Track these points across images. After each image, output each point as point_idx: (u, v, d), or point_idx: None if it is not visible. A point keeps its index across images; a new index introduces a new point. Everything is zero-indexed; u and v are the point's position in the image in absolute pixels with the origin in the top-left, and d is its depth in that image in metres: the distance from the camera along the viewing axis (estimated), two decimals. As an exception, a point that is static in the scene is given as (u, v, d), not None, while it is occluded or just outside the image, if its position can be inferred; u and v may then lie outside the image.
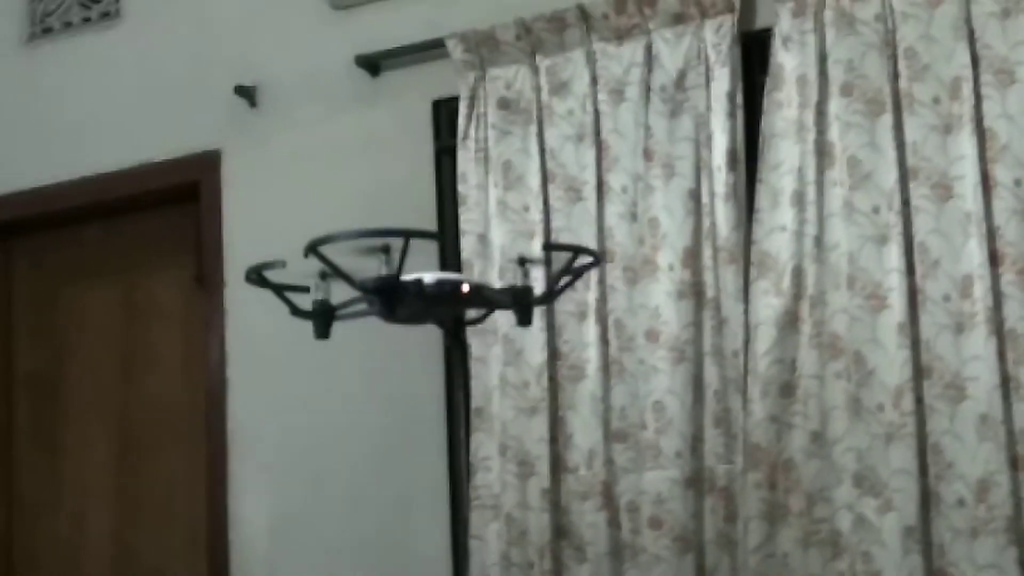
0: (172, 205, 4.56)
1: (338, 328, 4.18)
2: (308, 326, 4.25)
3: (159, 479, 4.62)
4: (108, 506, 4.70)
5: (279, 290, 2.95)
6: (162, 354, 4.66)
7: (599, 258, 3.14)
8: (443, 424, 3.96)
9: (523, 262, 2.96)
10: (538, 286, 3.19)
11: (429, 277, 2.84)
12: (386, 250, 2.77)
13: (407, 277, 2.80)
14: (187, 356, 4.57)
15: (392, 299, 2.80)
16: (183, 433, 4.55)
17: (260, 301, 4.29)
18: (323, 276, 2.85)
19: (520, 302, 2.93)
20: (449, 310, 2.97)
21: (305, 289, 2.92)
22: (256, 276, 2.96)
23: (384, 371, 4.07)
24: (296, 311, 2.94)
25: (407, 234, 2.76)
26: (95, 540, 4.71)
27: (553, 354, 3.78)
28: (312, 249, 2.81)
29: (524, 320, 2.95)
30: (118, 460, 4.71)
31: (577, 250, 3.06)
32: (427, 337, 4.00)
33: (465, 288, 2.90)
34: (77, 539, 4.74)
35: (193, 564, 4.45)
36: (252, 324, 4.33)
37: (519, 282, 2.96)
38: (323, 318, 2.87)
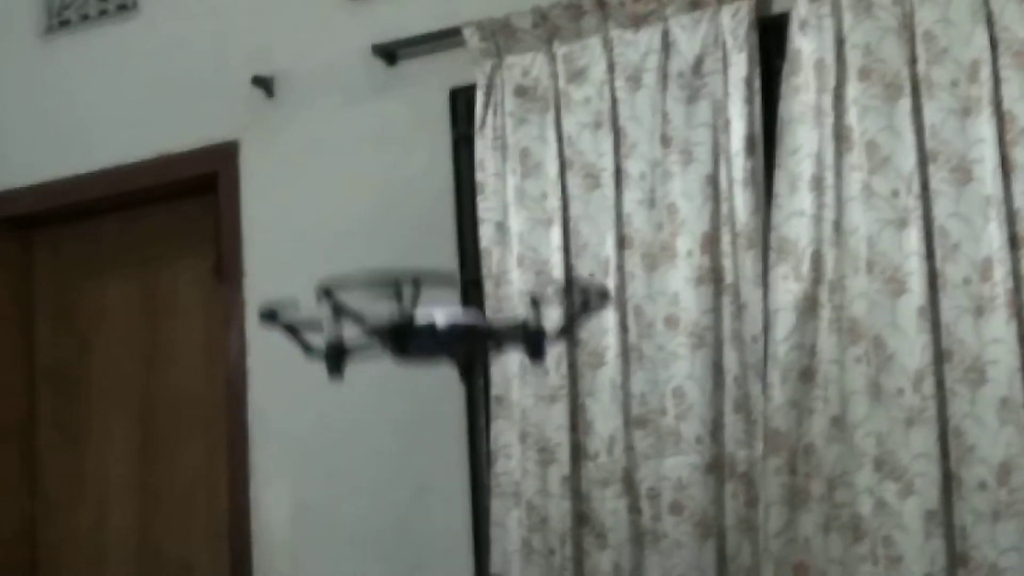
0: (190, 196, 4.57)
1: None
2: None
3: (181, 470, 4.63)
4: (130, 497, 4.72)
5: (292, 331, 2.94)
6: (182, 345, 4.67)
7: (608, 295, 3.15)
8: (463, 412, 3.95)
9: (535, 302, 2.96)
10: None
11: (441, 316, 2.83)
12: (398, 291, 2.77)
13: (421, 310, 2.79)
14: (207, 347, 4.58)
15: (404, 342, 2.80)
16: (204, 424, 4.56)
17: (279, 291, 4.33)
18: (336, 314, 2.84)
19: (532, 341, 2.93)
20: (461, 349, 2.98)
21: (318, 326, 2.90)
22: (270, 316, 2.94)
23: (404, 360, 4.08)
24: (309, 351, 2.92)
25: (420, 279, 2.75)
26: (118, 532, 4.73)
27: (573, 341, 3.78)
28: (325, 293, 2.80)
29: (537, 358, 2.95)
30: (139, 451, 4.72)
31: (588, 291, 3.10)
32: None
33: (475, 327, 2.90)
34: (100, 531, 4.76)
35: (216, 554, 4.46)
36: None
37: (531, 320, 2.95)
38: (336, 359, 2.86)
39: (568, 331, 3.10)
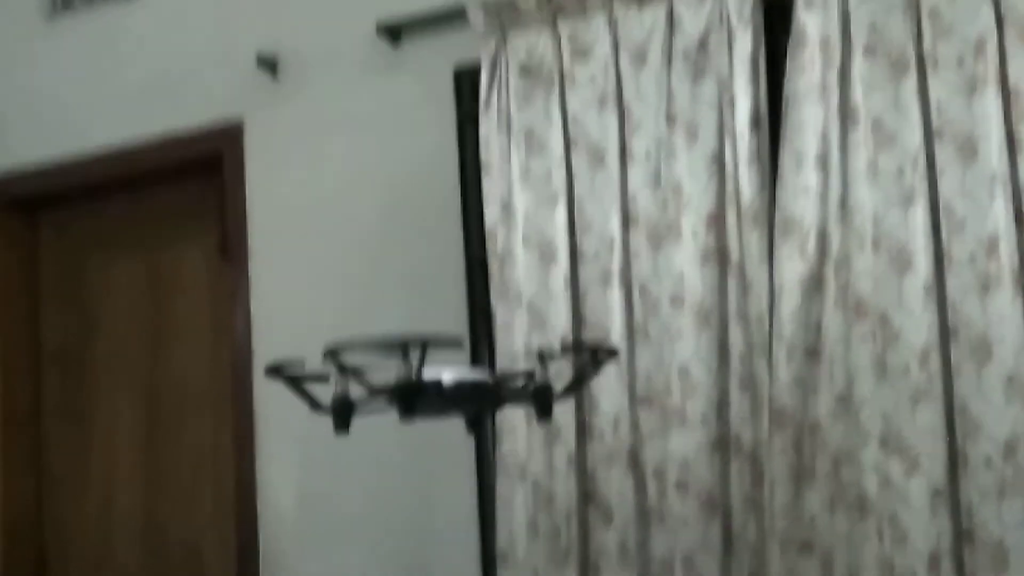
0: (196, 177, 4.57)
1: (365, 295, 4.21)
2: (332, 295, 4.29)
3: (187, 450, 4.64)
4: (136, 479, 4.73)
5: (299, 386, 2.94)
6: (188, 326, 4.68)
7: (616, 352, 3.17)
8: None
9: (542, 357, 2.96)
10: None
11: (448, 376, 2.84)
12: (405, 351, 2.77)
13: (428, 371, 2.80)
14: (213, 327, 4.58)
15: (412, 401, 2.81)
16: (210, 405, 4.57)
17: (285, 271, 4.35)
18: (342, 371, 2.84)
19: (539, 399, 2.93)
20: (468, 407, 2.98)
21: (325, 378, 2.91)
22: (276, 373, 2.95)
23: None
24: (316, 407, 2.93)
25: (427, 343, 2.75)
26: (124, 513, 4.74)
27: (578, 320, 3.77)
28: (330, 355, 2.81)
29: (544, 415, 2.95)
30: (146, 432, 4.73)
31: (596, 350, 3.12)
32: (452, 307, 4.01)
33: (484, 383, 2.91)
34: (107, 512, 4.77)
35: (222, 535, 4.47)
36: (277, 294, 4.34)
37: (538, 377, 2.95)
38: (343, 415, 2.86)
39: (576, 388, 3.10)
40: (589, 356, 3.09)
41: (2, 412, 4.85)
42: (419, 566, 4.07)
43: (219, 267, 4.53)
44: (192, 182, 4.60)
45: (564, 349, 3.18)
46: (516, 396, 3.02)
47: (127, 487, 4.75)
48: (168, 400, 4.70)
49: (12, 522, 4.80)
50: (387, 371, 2.81)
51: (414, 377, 2.76)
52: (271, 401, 4.31)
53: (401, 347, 2.75)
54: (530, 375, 2.98)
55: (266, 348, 4.33)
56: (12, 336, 4.88)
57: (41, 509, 4.87)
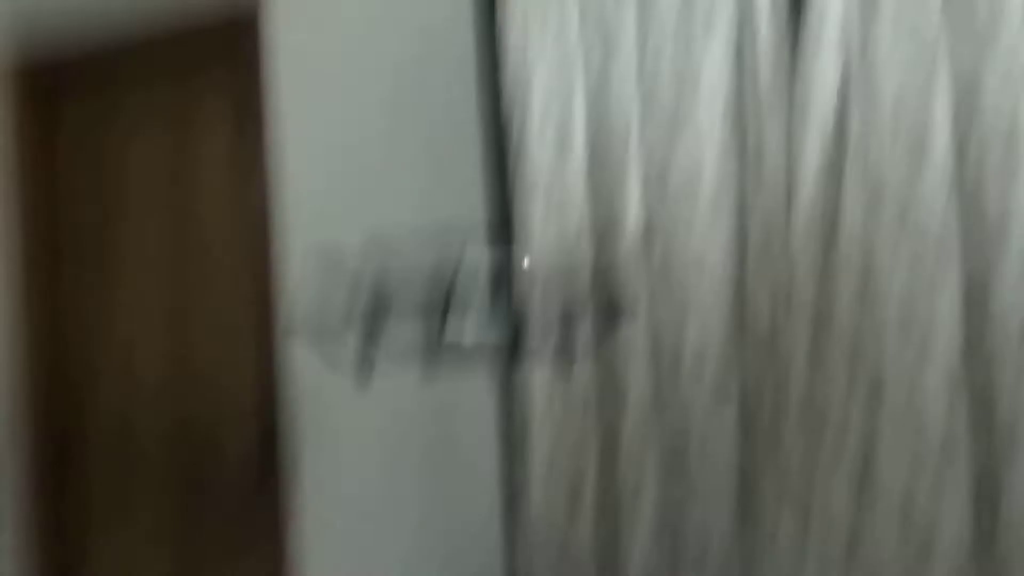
0: (215, 62, 4.58)
1: (385, 158, 4.18)
2: (354, 161, 4.28)
3: (211, 334, 4.68)
4: (160, 366, 4.79)
5: (319, 343, 2.96)
6: (210, 203, 4.69)
7: (631, 315, 3.16)
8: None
9: (565, 318, 2.96)
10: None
11: (470, 337, 2.87)
12: (446, 311, 2.79)
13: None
14: (234, 208, 4.60)
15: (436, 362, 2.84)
16: (234, 287, 4.60)
17: (307, 146, 4.36)
18: (366, 334, 2.87)
19: (562, 359, 2.94)
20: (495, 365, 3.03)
21: (344, 340, 2.92)
22: (299, 332, 2.97)
23: (434, 210, 4.11)
24: (335, 367, 2.95)
25: (449, 301, 2.78)
26: (148, 404, 4.81)
27: (595, 214, 3.78)
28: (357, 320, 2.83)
29: (565, 376, 2.96)
30: (169, 308, 4.78)
31: (612, 315, 3.15)
32: (470, 173, 4.02)
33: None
34: (129, 407, 4.84)
35: (246, 419, 4.55)
36: (299, 174, 4.38)
37: (560, 337, 2.96)
38: (364, 374, 2.89)
39: (598, 346, 3.12)
40: (610, 316, 3.10)
41: (26, 306, 4.90)
42: (440, 455, 4.13)
43: (241, 148, 4.53)
44: (213, 67, 4.60)
45: (584, 310, 3.20)
46: (537, 355, 3.04)
47: (151, 373, 4.80)
48: (192, 276, 4.72)
49: (38, 414, 4.90)
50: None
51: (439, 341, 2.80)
52: (295, 274, 4.32)
53: (441, 312, 2.78)
54: (550, 333, 3.01)
55: (289, 227, 4.38)
56: (33, 218, 4.92)
57: (67, 405, 4.93)
